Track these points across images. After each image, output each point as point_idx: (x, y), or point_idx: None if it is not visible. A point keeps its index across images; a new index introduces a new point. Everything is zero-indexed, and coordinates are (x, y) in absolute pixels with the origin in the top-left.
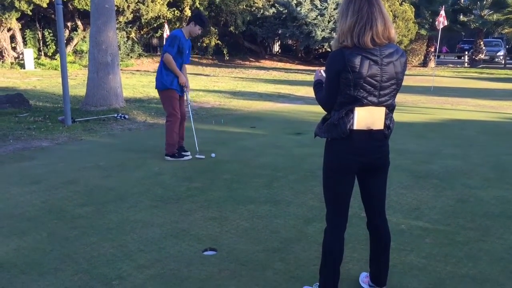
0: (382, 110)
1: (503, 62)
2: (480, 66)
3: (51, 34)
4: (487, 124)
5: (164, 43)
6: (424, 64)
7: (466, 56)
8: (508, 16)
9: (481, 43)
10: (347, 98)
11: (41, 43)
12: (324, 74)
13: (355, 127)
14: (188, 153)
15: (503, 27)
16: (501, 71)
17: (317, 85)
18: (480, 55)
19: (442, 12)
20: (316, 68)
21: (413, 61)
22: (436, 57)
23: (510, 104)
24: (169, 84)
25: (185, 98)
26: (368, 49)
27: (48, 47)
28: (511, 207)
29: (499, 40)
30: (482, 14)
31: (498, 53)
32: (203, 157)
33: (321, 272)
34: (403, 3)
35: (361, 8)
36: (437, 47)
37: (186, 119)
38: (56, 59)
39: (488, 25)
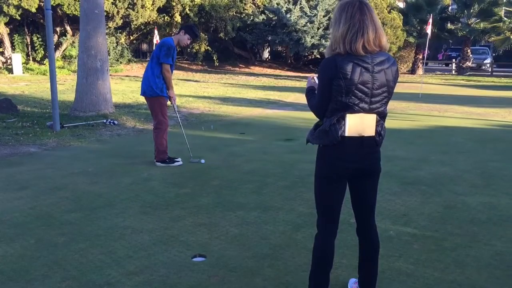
0: (373, 117)
1: (489, 70)
2: (467, 73)
3: (40, 39)
4: (474, 131)
5: (154, 49)
6: (412, 71)
7: (454, 64)
8: (495, 24)
9: (468, 51)
10: (338, 105)
11: (29, 48)
12: (316, 81)
13: (347, 133)
14: (179, 159)
15: (490, 35)
16: (488, 78)
17: (309, 92)
18: (467, 62)
19: (431, 21)
20: (307, 74)
21: (401, 68)
22: (424, 64)
23: (496, 111)
24: (160, 91)
25: (173, 108)
26: (359, 56)
27: (37, 52)
28: (498, 213)
29: (486, 48)
30: (469, 22)
31: (485, 61)
32: (197, 161)
33: (311, 278)
34: (391, 11)
35: (353, 16)
36: (425, 54)
37: (176, 125)
38: (44, 64)
39: (475, 33)
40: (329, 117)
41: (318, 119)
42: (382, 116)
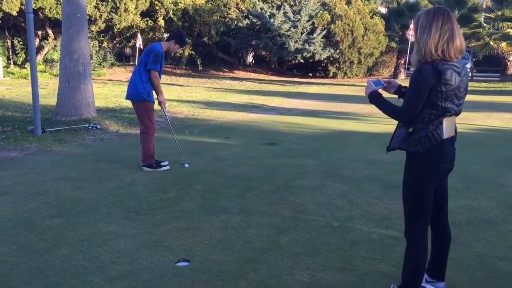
0: (454, 118)
1: (470, 74)
2: None
3: (21, 43)
4: None
5: (137, 53)
6: (395, 75)
7: None
8: (475, 30)
9: None
10: (438, 110)
11: (10, 51)
12: (374, 86)
13: (444, 136)
14: (166, 162)
15: (470, 41)
16: (468, 83)
17: (378, 98)
18: None
19: (412, 26)
20: (291, 79)
21: (383, 73)
22: (406, 69)
23: (476, 115)
24: (147, 96)
25: (163, 113)
26: (453, 62)
27: (18, 55)
28: (478, 216)
29: (466, 53)
30: None
31: (465, 66)
32: (187, 165)
33: (411, 278)
34: (373, 16)
35: (444, 25)
36: (407, 59)
37: (161, 130)
38: (25, 68)
39: None
40: (427, 122)
41: (397, 126)
42: (458, 115)
